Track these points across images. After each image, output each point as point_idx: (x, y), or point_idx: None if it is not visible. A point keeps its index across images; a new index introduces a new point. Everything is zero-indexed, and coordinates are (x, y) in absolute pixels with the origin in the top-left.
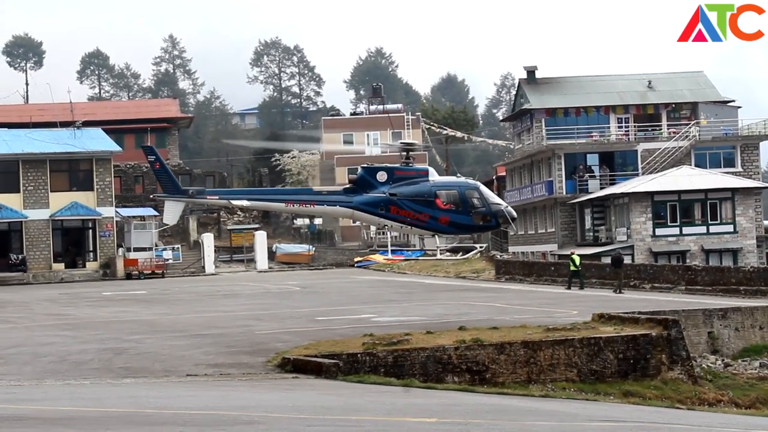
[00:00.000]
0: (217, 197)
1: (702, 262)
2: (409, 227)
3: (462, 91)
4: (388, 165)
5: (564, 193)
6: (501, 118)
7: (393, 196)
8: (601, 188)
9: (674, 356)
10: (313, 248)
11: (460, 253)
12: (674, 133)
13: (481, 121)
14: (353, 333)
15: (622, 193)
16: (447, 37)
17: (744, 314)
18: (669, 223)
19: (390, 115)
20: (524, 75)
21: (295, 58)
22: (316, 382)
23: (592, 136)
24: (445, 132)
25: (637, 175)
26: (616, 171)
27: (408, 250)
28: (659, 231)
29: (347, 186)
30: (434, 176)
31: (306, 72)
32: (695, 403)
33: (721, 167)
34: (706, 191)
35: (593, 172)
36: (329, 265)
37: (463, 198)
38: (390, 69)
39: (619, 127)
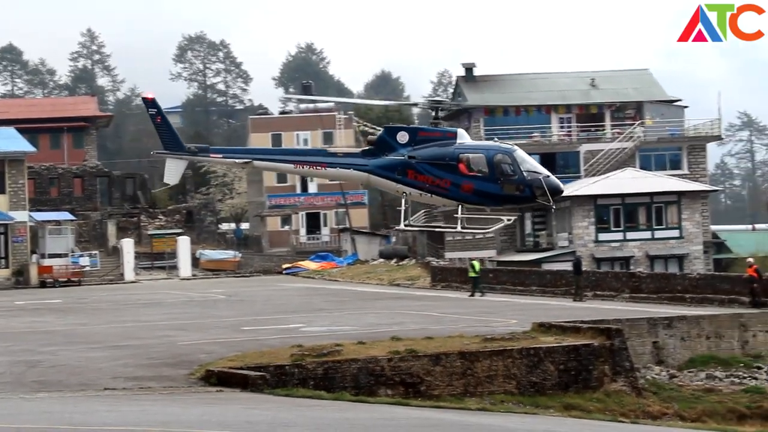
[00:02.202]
0: (221, 156)
1: (647, 269)
2: (429, 195)
3: (397, 89)
4: (412, 125)
5: None
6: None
7: (411, 159)
8: None
9: (617, 367)
10: (240, 254)
11: (394, 260)
12: (618, 133)
13: (417, 121)
14: (281, 344)
15: (563, 197)
16: (381, 33)
17: (690, 323)
18: (612, 228)
19: (321, 114)
20: (462, 72)
21: (221, 54)
22: (241, 396)
23: (532, 137)
24: (379, 132)
25: (580, 177)
26: (558, 173)
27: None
28: (602, 236)
29: (366, 148)
30: (464, 139)
31: (232, 68)
32: (639, 416)
33: (666, 169)
34: (651, 194)
35: None
36: (256, 272)
37: (491, 163)
38: (321, 65)
39: (561, 127)
